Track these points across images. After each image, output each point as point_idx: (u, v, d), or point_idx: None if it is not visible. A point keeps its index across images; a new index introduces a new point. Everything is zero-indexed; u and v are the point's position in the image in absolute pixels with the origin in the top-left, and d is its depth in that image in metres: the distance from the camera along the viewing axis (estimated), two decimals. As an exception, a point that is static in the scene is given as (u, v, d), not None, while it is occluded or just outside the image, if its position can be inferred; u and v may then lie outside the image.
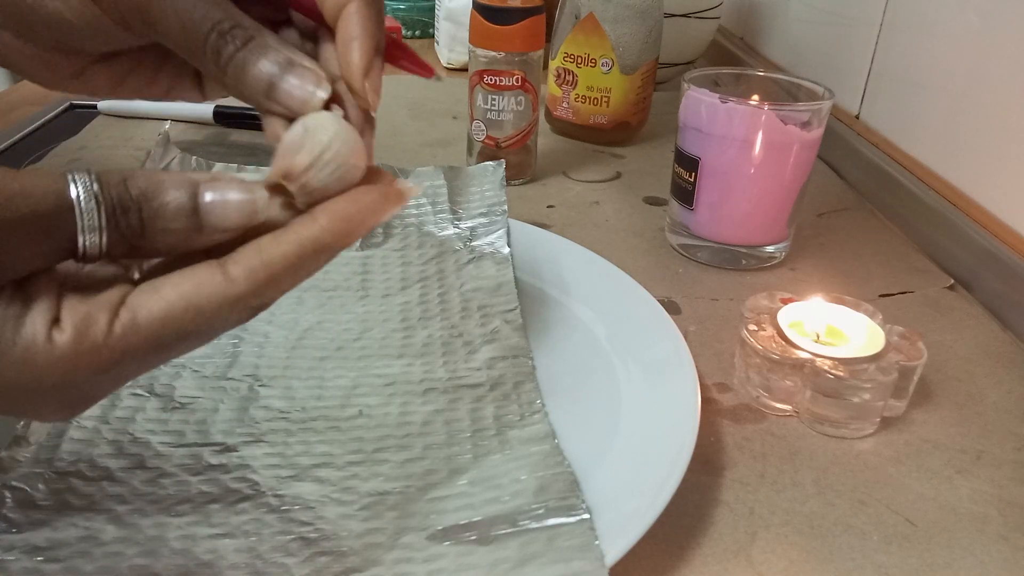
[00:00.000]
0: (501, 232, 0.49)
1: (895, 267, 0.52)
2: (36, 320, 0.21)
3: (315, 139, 0.24)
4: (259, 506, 0.30)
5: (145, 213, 0.22)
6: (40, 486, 0.30)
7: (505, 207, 0.50)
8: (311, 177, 0.24)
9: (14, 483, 0.30)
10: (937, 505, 0.33)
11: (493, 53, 0.56)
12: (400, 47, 0.29)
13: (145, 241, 0.22)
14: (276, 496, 0.31)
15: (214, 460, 0.32)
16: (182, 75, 0.32)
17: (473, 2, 0.56)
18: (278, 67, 0.25)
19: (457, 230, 0.50)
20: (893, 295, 0.49)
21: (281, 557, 0.28)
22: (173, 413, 0.34)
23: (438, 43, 0.94)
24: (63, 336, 0.21)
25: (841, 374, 0.36)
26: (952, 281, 0.50)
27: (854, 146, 0.64)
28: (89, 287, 0.22)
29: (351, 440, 0.34)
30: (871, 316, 0.39)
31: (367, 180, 0.25)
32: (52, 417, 0.23)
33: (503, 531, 0.29)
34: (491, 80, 0.57)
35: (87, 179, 0.21)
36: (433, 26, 0.98)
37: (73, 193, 0.21)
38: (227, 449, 0.33)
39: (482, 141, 0.60)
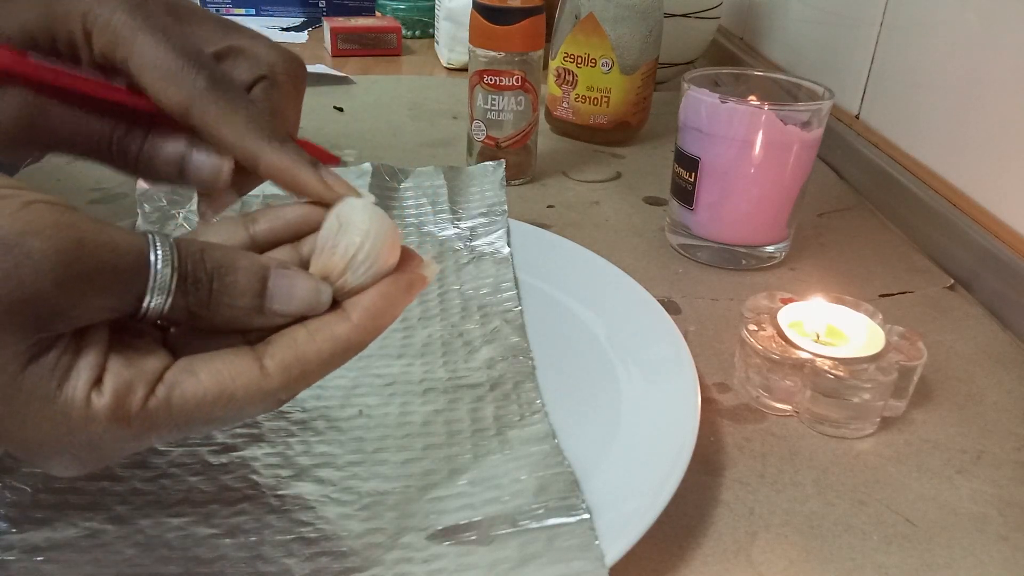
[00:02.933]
0: (501, 232, 0.49)
1: (895, 267, 0.52)
2: (81, 377, 0.21)
3: (349, 238, 0.25)
4: (259, 506, 0.30)
5: (216, 287, 0.23)
6: (40, 486, 0.30)
7: (505, 207, 0.50)
8: (347, 279, 0.25)
9: (14, 483, 0.30)
10: (937, 505, 0.33)
11: (493, 53, 0.56)
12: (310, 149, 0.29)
13: (208, 312, 0.23)
14: (276, 496, 0.31)
15: (214, 460, 0.32)
16: (108, 159, 0.31)
17: (473, 2, 0.56)
18: (179, 151, 0.27)
19: (457, 230, 0.50)
20: (893, 295, 0.49)
21: (281, 557, 0.28)
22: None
23: (438, 43, 0.94)
24: (101, 401, 0.21)
25: (841, 374, 0.36)
26: (952, 281, 0.50)
27: (854, 146, 0.64)
28: (132, 346, 0.23)
29: (351, 440, 0.34)
30: (871, 316, 0.39)
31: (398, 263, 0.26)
32: (64, 471, 0.23)
33: (503, 531, 0.29)
34: (491, 80, 0.57)
35: (167, 245, 0.22)
36: (433, 26, 0.98)
37: (152, 256, 0.22)
38: (227, 449, 0.33)
39: (482, 141, 0.60)
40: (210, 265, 0.23)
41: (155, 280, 0.22)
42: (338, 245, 0.25)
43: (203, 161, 0.27)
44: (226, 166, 0.27)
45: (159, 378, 0.22)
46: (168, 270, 0.22)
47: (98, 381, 0.22)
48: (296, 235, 0.27)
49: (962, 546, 0.31)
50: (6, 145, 0.27)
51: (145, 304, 0.22)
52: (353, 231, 0.25)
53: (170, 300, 0.22)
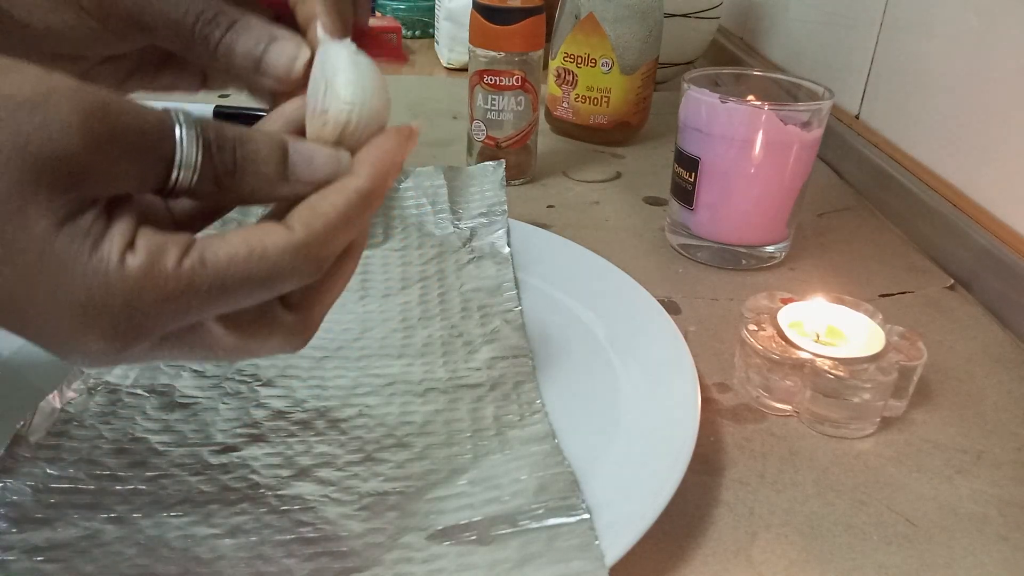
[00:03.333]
0: (501, 232, 0.49)
1: (895, 267, 0.52)
2: (114, 240, 0.21)
3: (337, 104, 0.25)
4: (259, 506, 0.30)
5: (239, 154, 0.23)
6: (40, 486, 0.30)
7: (505, 207, 0.50)
8: (345, 143, 0.25)
9: (14, 483, 0.30)
10: (937, 505, 0.33)
11: (493, 53, 0.56)
12: (369, 35, 0.30)
13: (234, 181, 0.23)
14: (276, 496, 0.31)
15: (214, 460, 0.32)
16: (184, 71, 0.33)
17: (473, 2, 0.56)
18: (262, 43, 0.27)
19: (457, 230, 0.50)
20: (893, 295, 0.49)
21: (281, 557, 0.28)
22: (173, 413, 0.35)
23: (438, 43, 0.94)
24: (135, 259, 0.21)
25: (841, 374, 0.36)
26: (952, 281, 0.50)
27: (854, 146, 0.64)
28: (160, 227, 0.23)
29: (351, 440, 0.34)
30: (871, 316, 0.39)
31: None
32: (99, 350, 0.22)
33: (503, 531, 0.29)
34: (491, 80, 0.57)
35: (187, 115, 0.22)
36: (433, 26, 0.98)
37: (175, 123, 0.22)
38: (227, 449, 0.33)
39: (482, 141, 0.60)
40: (231, 134, 0.23)
41: (181, 145, 0.22)
42: (328, 111, 0.25)
43: (281, 50, 0.27)
44: (302, 57, 0.27)
45: (191, 243, 0.23)
46: (192, 134, 0.22)
47: (131, 245, 0.22)
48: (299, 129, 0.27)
49: (962, 546, 0.31)
50: (87, 30, 0.27)
51: (174, 174, 0.22)
52: (340, 94, 0.25)
53: (199, 164, 0.22)
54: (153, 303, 0.22)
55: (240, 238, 0.23)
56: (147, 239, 0.22)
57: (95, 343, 0.22)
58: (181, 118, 0.22)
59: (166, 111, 0.22)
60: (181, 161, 0.22)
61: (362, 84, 0.25)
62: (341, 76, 0.25)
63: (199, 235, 0.23)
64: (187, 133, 0.22)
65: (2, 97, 0.20)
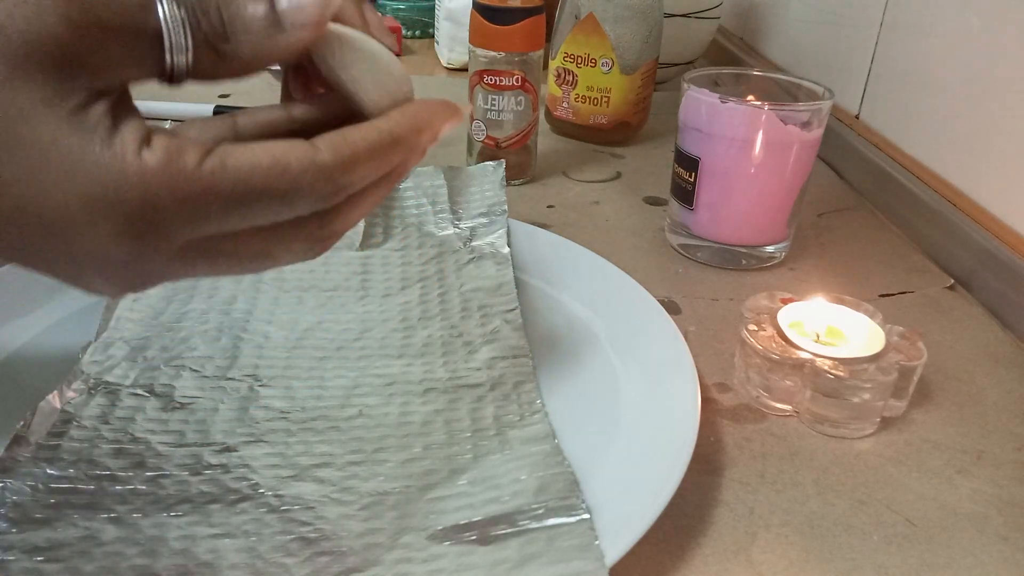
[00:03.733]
0: (501, 232, 0.49)
1: (895, 267, 0.52)
2: (127, 135, 0.21)
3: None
4: (259, 506, 0.30)
5: (225, 14, 0.22)
6: (40, 486, 0.30)
7: (505, 207, 0.50)
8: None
9: (14, 483, 0.30)
10: (937, 505, 0.33)
11: (493, 53, 0.56)
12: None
13: (229, 45, 0.22)
14: (276, 496, 0.31)
15: (214, 460, 0.32)
16: None
17: (473, 2, 0.56)
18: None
19: (457, 230, 0.50)
20: (893, 295, 0.49)
21: (281, 557, 0.28)
22: (173, 413, 0.35)
23: (438, 43, 0.94)
24: (153, 156, 0.21)
25: (841, 374, 0.36)
26: (952, 281, 0.50)
27: (854, 146, 0.64)
28: (177, 130, 0.23)
29: (351, 440, 0.34)
30: (871, 316, 0.39)
31: None
32: (118, 248, 0.21)
33: (503, 531, 0.29)
34: (491, 80, 0.57)
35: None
36: (433, 26, 0.98)
37: (159, 8, 0.21)
38: (227, 449, 0.33)
39: (482, 141, 0.60)
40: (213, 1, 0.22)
41: (166, 20, 0.21)
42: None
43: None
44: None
45: (212, 147, 0.22)
46: (174, 6, 0.21)
47: (147, 141, 0.21)
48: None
49: (962, 546, 0.31)
50: None
51: (167, 55, 0.21)
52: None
53: (189, 42, 0.21)
54: (170, 202, 0.21)
55: (264, 149, 0.22)
56: (165, 138, 0.21)
57: (111, 243, 0.21)
58: (166, 4, 0.21)
59: None
60: (171, 37, 0.21)
61: (384, 74, 0.26)
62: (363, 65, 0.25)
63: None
64: (168, 7, 0.21)
65: None
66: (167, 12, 0.21)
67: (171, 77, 0.22)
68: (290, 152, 0.23)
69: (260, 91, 0.79)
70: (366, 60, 0.25)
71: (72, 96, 0.20)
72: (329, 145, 0.23)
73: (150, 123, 0.22)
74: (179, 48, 0.21)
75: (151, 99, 0.71)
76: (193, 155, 0.21)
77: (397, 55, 0.28)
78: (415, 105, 0.26)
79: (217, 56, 0.22)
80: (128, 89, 0.22)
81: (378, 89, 0.25)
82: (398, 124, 0.25)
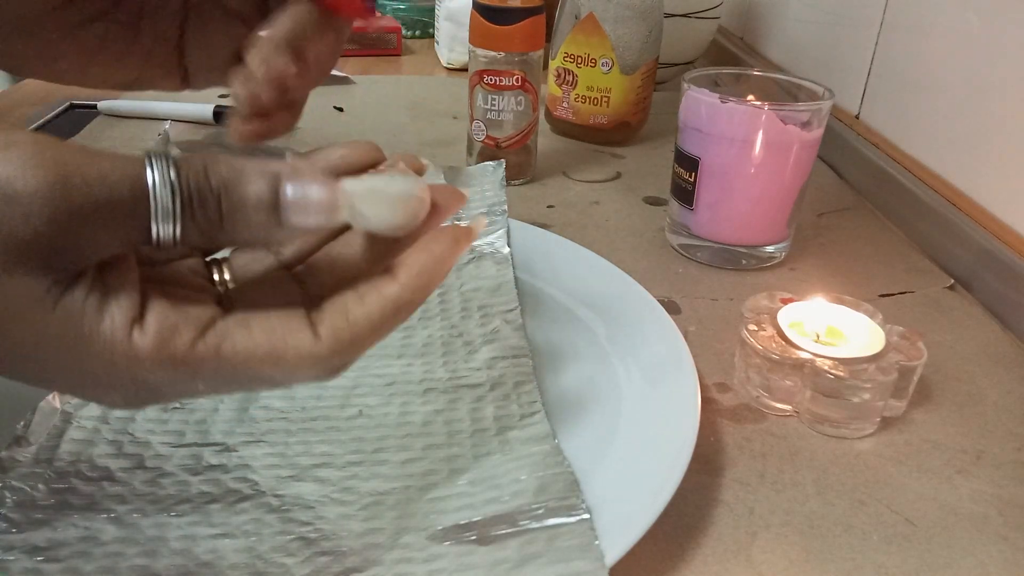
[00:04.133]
0: (501, 232, 0.49)
1: (895, 267, 0.52)
2: (116, 315, 0.21)
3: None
4: (259, 506, 0.30)
5: (224, 206, 0.21)
6: (40, 486, 0.30)
7: (505, 207, 0.50)
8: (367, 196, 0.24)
9: (14, 483, 0.30)
10: (937, 505, 0.33)
11: (493, 53, 0.56)
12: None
13: (223, 234, 0.22)
14: (276, 496, 0.31)
15: (214, 460, 0.32)
16: (152, 60, 0.31)
17: (473, 2, 0.56)
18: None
19: (457, 230, 0.49)
20: (893, 295, 0.49)
21: (281, 557, 0.28)
22: (173, 413, 0.34)
23: (438, 43, 0.94)
24: (144, 339, 0.21)
25: (841, 374, 0.36)
26: (952, 281, 0.50)
27: (854, 146, 0.64)
28: (177, 295, 0.22)
29: (351, 440, 0.34)
30: (871, 316, 0.39)
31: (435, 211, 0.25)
32: (117, 406, 0.23)
33: (503, 531, 0.29)
34: (491, 80, 0.57)
35: (164, 165, 0.21)
36: (433, 26, 0.98)
37: (149, 179, 0.20)
38: (227, 449, 0.33)
39: (482, 141, 0.60)
40: (215, 182, 0.21)
41: (158, 206, 0.20)
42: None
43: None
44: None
45: (209, 325, 0.22)
46: (168, 193, 0.20)
47: (140, 320, 0.21)
48: (338, 177, 0.25)
49: (962, 546, 0.31)
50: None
51: (155, 232, 0.21)
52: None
53: (179, 226, 0.21)
54: (162, 380, 0.22)
55: (264, 336, 0.22)
56: (158, 316, 0.21)
57: (112, 402, 0.22)
58: (156, 168, 0.21)
59: (141, 161, 0.21)
60: (157, 216, 0.21)
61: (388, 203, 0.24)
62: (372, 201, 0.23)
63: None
64: (161, 187, 0.20)
65: None
66: (160, 195, 0.20)
67: (158, 244, 0.21)
68: (289, 341, 0.22)
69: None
70: (374, 203, 0.23)
71: (57, 285, 0.20)
72: (330, 332, 0.23)
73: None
74: (166, 229, 0.21)
75: (151, 99, 0.71)
76: (186, 336, 0.21)
77: (367, 13, 0.28)
78: (423, 254, 0.24)
79: (207, 239, 0.22)
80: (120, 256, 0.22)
81: (387, 227, 0.24)
82: (404, 288, 0.24)
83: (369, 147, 0.26)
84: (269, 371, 0.22)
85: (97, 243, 0.21)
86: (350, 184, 0.23)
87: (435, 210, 0.25)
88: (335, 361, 0.23)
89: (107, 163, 0.20)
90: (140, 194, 0.20)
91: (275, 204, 0.22)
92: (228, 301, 0.24)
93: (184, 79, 0.32)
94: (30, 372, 0.21)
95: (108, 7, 0.30)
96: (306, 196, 0.22)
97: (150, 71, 0.31)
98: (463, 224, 0.25)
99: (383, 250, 0.25)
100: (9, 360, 0.21)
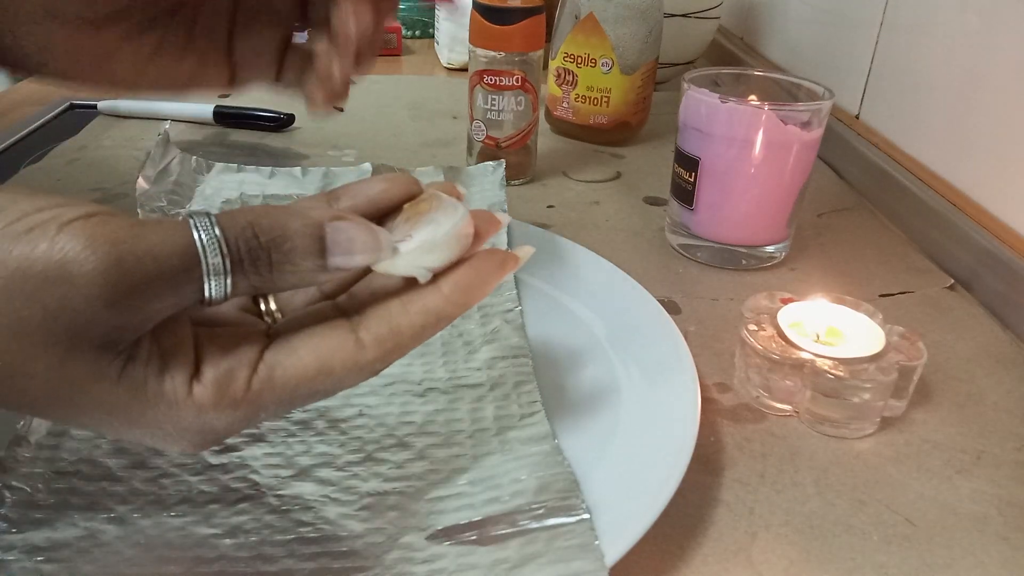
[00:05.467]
0: (501, 232, 0.49)
1: (895, 267, 0.52)
2: (177, 377, 0.22)
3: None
4: (259, 506, 0.30)
5: (275, 258, 0.22)
6: (40, 486, 0.30)
7: (505, 207, 0.50)
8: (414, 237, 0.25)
9: (14, 483, 0.30)
10: (937, 505, 0.33)
11: (493, 53, 0.56)
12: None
13: (272, 283, 0.23)
14: (276, 496, 0.31)
15: (214, 460, 0.32)
16: (205, 60, 0.32)
17: (473, 2, 0.56)
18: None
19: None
20: (893, 295, 0.49)
21: (281, 557, 0.28)
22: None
23: (438, 43, 0.94)
24: (205, 391, 0.22)
25: (841, 374, 0.36)
26: (952, 281, 0.50)
27: (854, 146, 0.64)
28: (227, 337, 0.23)
29: (351, 440, 0.34)
30: (871, 316, 0.39)
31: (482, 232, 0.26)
32: (187, 451, 0.25)
33: (503, 531, 0.29)
34: (491, 80, 0.57)
35: (209, 226, 0.22)
36: (433, 26, 0.98)
37: (198, 245, 0.21)
38: (227, 449, 0.33)
39: (482, 141, 0.60)
40: (264, 239, 0.22)
41: (209, 270, 0.22)
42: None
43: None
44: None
45: (259, 359, 0.23)
46: (219, 258, 0.22)
47: (196, 374, 0.22)
48: (379, 210, 0.26)
49: (962, 546, 0.31)
50: None
51: (207, 292, 0.22)
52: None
53: (230, 281, 0.22)
54: (227, 424, 0.23)
55: (311, 355, 0.23)
56: (213, 366, 0.23)
57: (186, 450, 0.24)
58: (202, 234, 0.21)
59: (185, 227, 0.21)
60: (209, 275, 0.22)
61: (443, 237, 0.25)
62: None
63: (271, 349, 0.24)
64: (212, 255, 0.21)
65: (18, 271, 0.19)
66: (209, 261, 0.21)
67: (210, 303, 0.22)
68: (335, 355, 0.24)
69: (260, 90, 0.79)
70: (429, 253, 0.24)
71: (119, 359, 0.21)
72: (374, 340, 0.24)
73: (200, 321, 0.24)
74: (218, 288, 0.22)
75: (150, 99, 0.71)
76: (242, 380, 0.23)
77: (396, 52, 0.29)
78: (469, 270, 0.25)
79: (256, 289, 0.23)
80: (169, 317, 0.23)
81: (433, 260, 0.25)
82: (447, 302, 0.25)
83: (408, 180, 0.27)
84: (321, 386, 0.24)
85: (153, 313, 0.22)
86: (405, 247, 0.24)
87: (475, 236, 0.26)
88: (378, 366, 0.24)
89: (156, 236, 0.21)
90: (192, 262, 0.21)
91: (322, 251, 0.23)
92: (275, 330, 0.25)
93: (231, 78, 0.33)
94: (105, 430, 0.23)
95: (168, 10, 0.31)
96: (350, 241, 0.23)
97: (203, 71, 0.33)
98: (512, 250, 0.27)
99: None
100: (83, 422, 0.22)
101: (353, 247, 0.23)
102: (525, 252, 0.27)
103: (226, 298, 0.22)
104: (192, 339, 0.23)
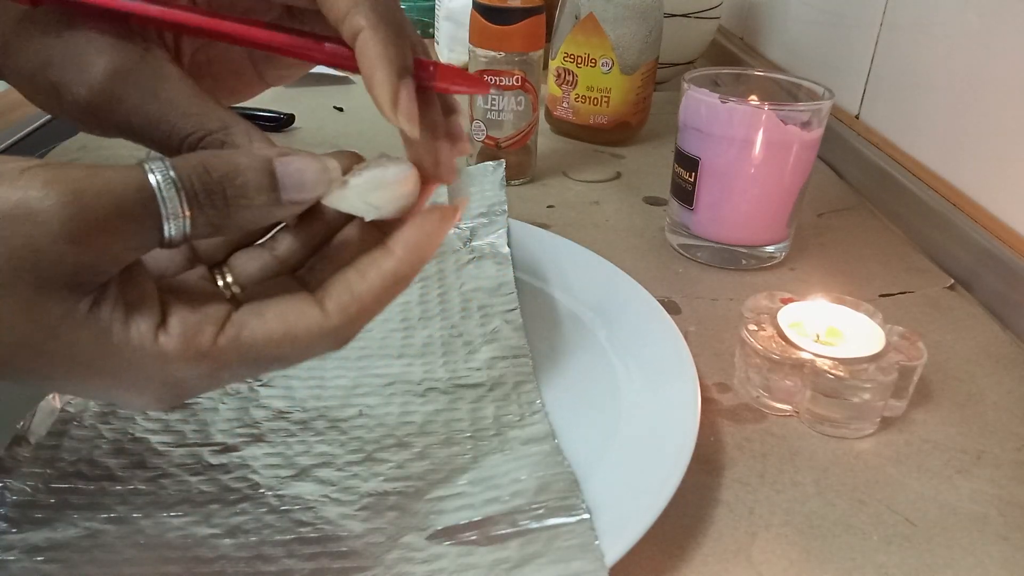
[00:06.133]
0: (501, 232, 0.49)
1: (895, 267, 0.52)
2: (143, 325, 0.22)
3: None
4: (259, 506, 0.30)
5: (229, 193, 0.23)
6: (40, 486, 0.30)
7: (505, 207, 0.50)
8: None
9: (14, 483, 0.30)
10: (937, 505, 0.33)
11: (493, 53, 0.56)
12: (441, 70, 0.29)
13: (229, 220, 0.23)
14: (276, 496, 0.31)
15: (214, 460, 0.32)
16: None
17: (473, 2, 0.56)
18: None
19: (457, 230, 0.50)
20: (893, 295, 0.49)
21: (281, 557, 0.28)
22: (173, 413, 0.34)
23: (438, 43, 0.94)
24: (170, 341, 0.23)
25: (841, 374, 0.36)
26: (952, 281, 0.50)
27: (854, 146, 0.64)
28: (192, 295, 0.24)
29: (351, 440, 0.34)
30: (871, 316, 0.39)
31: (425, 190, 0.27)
32: (150, 408, 0.24)
33: (503, 531, 0.29)
34: (491, 80, 0.57)
35: (163, 167, 0.22)
36: (433, 26, 0.98)
37: (152, 181, 0.22)
38: (227, 449, 0.33)
39: (482, 141, 0.60)
40: (217, 175, 0.23)
41: (166, 205, 0.22)
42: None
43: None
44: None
45: (226, 319, 0.23)
46: (174, 192, 0.22)
47: (163, 324, 0.23)
48: None
49: (962, 546, 0.31)
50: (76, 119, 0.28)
51: (167, 231, 0.22)
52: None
53: (188, 220, 0.22)
54: (190, 375, 0.23)
55: (277, 319, 0.24)
56: (180, 319, 0.23)
57: (145, 404, 0.24)
58: (159, 177, 0.22)
59: (140, 169, 0.22)
60: (167, 215, 0.22)
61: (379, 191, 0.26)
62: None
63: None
64: (166, 187, 0.22)
65: None
66: (166, 198, 0.22)
67: (168, 245, 0.23)
68: (301, 321, 0.24)
69: (260, 91, 0.79)
70: (379, 191, 0.25)
71: (85, 301, 0.22)
72: (338, 307, 0.24)
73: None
74: (177, 226, 0.22)
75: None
76: (209, 334, 0.23)
77: (483, 87, 0.29)
78: (415, 230, 0.26)
79: (215, 228, 0.23)
80: (136, 262, 0.23)
81: (394, 210, 0.26)
82: (401, 262, 0.25)
83: (350, 153, 0.27)
84: (287, 351, 0.24)
85: (115, 253, 0.22)
86: (354, 180, 0.25)
87: (425, 184, 0.27)
88: (344, 333, 0.25)
89: (112, 174, 0.21)
90: (147, 196, 0.22)
91: (274, 185, 0.24)
92: (236, 303, 0.25)
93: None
94: (66, 383, 0.23)
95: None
96: (300, 172, 0.24)
97: (302, 65, 0.33)
98: (450, 203, 0.27)
99: (377, 239, 0.26)
100: (46, 373, 0.22)
101: (303, 177, 0.24)
102: (463, 202, 0.28)
103: (186, 238, 0.23)
104: (157, 296, 0.23)
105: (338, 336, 0.25)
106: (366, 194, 0.25)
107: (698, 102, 0.48)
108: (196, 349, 0.23)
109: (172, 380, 0.23)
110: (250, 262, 0.27)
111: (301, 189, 0.24)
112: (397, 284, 0.25)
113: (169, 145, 0.27)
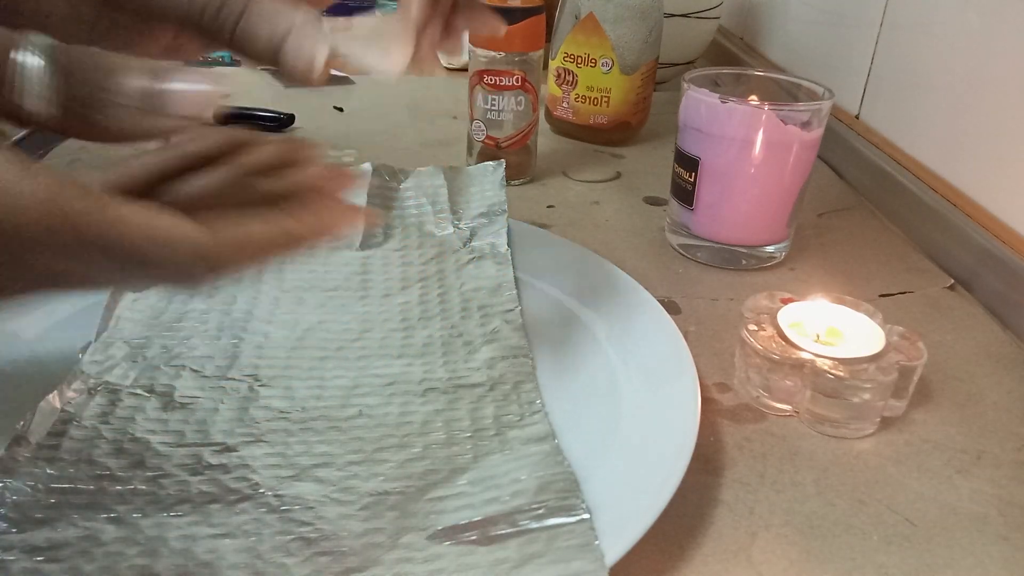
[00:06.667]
0: (501, 232, 0.49)
1: (895, 267, 0.52)
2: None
3: None
4: (259, 506, 0.30)
5: (104, 83, 0.22)
6: (40, 486, 0.30)
7: (505, 207, 0.50)
8: None
9: (14, 483, 0.30)
10: (937, 505, 0.33)
11: (493, 53, 0.56)
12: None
13: (98, 114, 0.22)
14: (276, 496, 0.31)
15: (214, 460, 0.32)
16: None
17: (473, 2, 0.56)
18: (277, 34, 0.25)
19: (457, 230, 0.50)
20: (893, 295, 0.49)
21: (281, 557, 0.28)
22: (173, 413, 0.34)
23: (438, 43, 0.94)
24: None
25: (841, 374, 0.36)
26: (952, 281, 0.50)
27: (854, 146, 0.64)
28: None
29: (351, 440, 0.34)
30: (871, 316, 0.39)
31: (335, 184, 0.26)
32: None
33: (503, 531, 0.29)
34: (491, 80, 0.57)
35: (42, 42, 0.21)
36: (433, 26, 0.98)
37: (12, 45, 0.21)
38: (227, 449, 0.33)
39: (482, 141, 0.60)
40: (91, 60, 0.22)
41: (21, 72, 0.21)
42: None
43: (299, 49, 0.26)
44: (320, 56, 0.26)
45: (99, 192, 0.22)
46: (38, 60, 0.21)
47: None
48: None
49: (962, 546, 0.31)
50: (93, 16, 0.27)
51: (17, 99, 0.21)
52: None
53: (51, 98, 0.21)
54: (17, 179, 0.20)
55: (144, 214, 0.21)
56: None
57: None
58: (29, 45, 0.21)
59: (10, 36, 0.21)
60: (23, 88, 0.21)
61: None
62: None
63: None
64: (30, 59, 0.21)
65: None
66: (24, 63, 0.21)
67: (24, 121, 0.21)
68: (174, 220, 0.22)
69: (260, 90, 0.79)
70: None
71: None
72: (218, 227, 0.22)
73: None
74: (37, 101, 0.21)
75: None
76: (92, 182, 0.21)
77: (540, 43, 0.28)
78: (323, 210, 0.25)
79: (83, 121, 0.22)
80: None
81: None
82: (301, 224, 0.24)
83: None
84: (150, 240, 0.21)
85: None
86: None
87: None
88: (213, 256, 0.22)
89: None
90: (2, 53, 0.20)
91: (152, 90, 0.22)
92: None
93: (229, 49, 0.33)
94: None
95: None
96: (184, 83, 0.23)
97: (200, 37, 0.32)
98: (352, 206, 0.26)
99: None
100: None
101: (186, 89, 0.23)
102: (349, 155, 0.27)
103: (47, 118, 0.21)
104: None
105: (207, 255, 0.22)
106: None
107: (698, 102, 0.48)
108: (41, 164, 0.20)
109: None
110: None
111: (180, 104, 0.23)
112: (287, 242, 0.24)
113: (191, 13, 0.26)
